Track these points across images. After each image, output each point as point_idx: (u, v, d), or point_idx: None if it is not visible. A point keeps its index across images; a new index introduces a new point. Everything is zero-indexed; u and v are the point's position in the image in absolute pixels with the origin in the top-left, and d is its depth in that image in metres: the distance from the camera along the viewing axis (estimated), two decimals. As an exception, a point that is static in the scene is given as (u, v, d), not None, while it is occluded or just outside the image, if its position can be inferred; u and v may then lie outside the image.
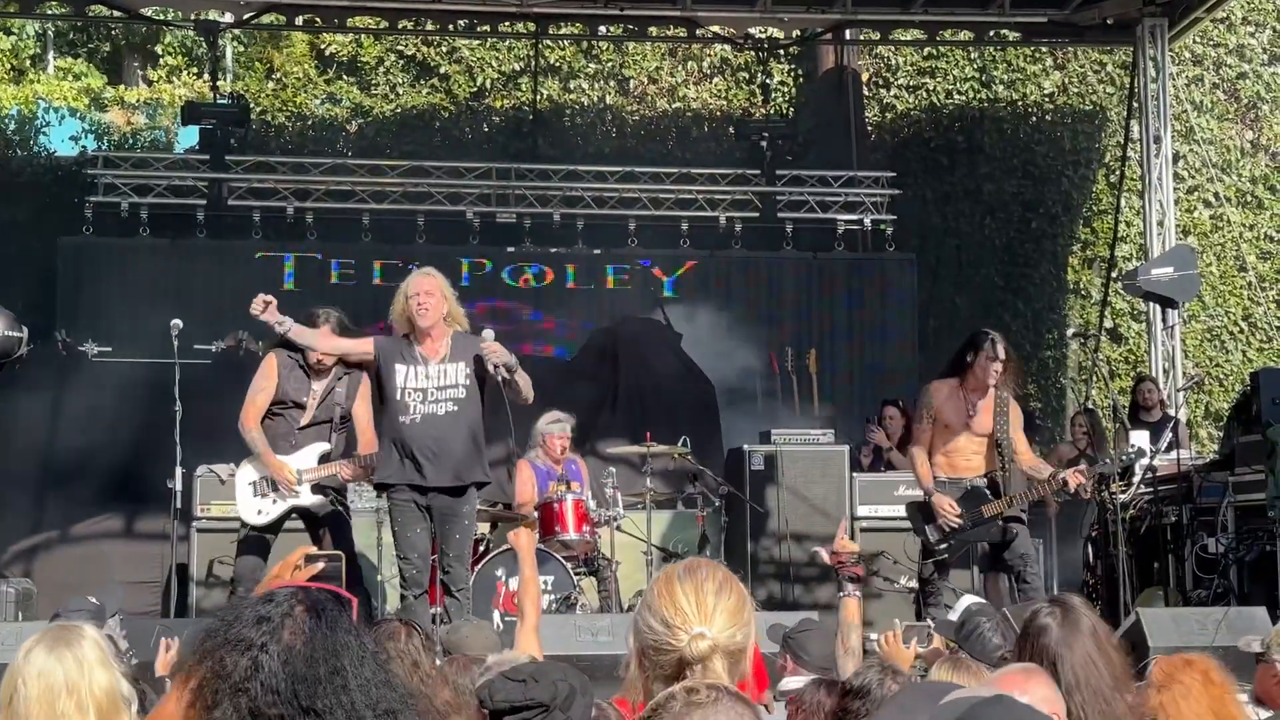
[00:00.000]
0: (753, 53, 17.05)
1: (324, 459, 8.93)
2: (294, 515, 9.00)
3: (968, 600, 6.94)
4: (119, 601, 7.21)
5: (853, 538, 11.61)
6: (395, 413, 8.67)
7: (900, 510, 10.42)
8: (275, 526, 8.98)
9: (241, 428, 8.92)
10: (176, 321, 9.54)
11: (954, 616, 6.54)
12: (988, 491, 9.40)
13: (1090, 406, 14.44)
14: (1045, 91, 17.85)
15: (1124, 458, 10.07)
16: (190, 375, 9.73)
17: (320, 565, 3.47)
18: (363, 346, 8.87)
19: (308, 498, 8.91)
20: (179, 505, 9.78)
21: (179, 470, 9.19)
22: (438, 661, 5.05)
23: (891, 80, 17.85)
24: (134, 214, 14.80)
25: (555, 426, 11.01)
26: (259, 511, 8.95)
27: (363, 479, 9.05)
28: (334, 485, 8.97)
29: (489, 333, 8.71)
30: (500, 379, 8.52)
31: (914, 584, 10.21)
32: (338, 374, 8.93)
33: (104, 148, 16.94)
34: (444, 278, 8.92)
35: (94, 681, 3.73)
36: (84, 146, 17.23)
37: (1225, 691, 4.29)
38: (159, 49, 19.07)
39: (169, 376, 9.37)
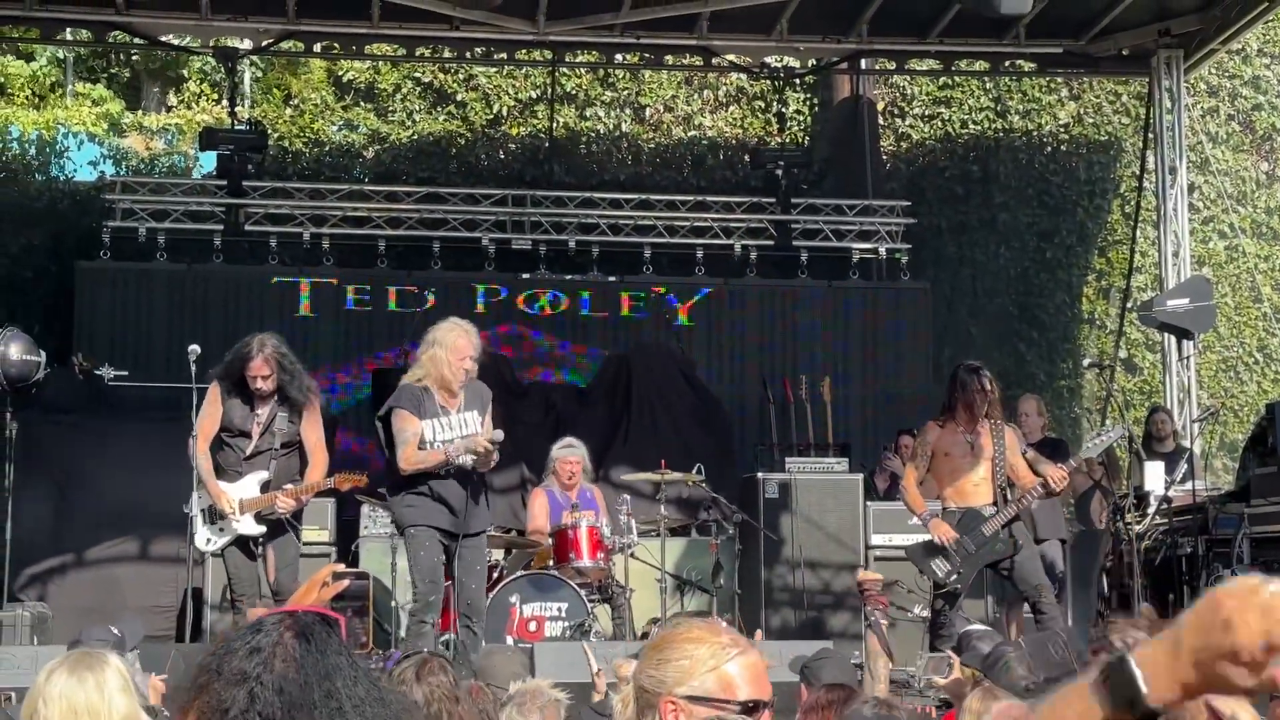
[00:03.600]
0: (768, 81, 17.10)
1: (264, 487, 8.95)
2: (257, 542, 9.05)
3: (977, 629, 6.93)
4: (139, 632, 7.22)
5: (866, 566, 11.66)
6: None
7: (914, 539, 10.41)
8: (245, 540, 9.03)
9: (190, 454, 9.00)
10: (194, 347, 9.60)
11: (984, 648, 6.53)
12: (984, 511, 9.43)
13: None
14: (1060, 122, 17.88)
15: (1100, 440, 10.06)
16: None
17: (345, 583, 3.50)
18: (413, 428, 8.89)
19: (250, 527, 8.96)
20: (194, 530, 9.80)
21: (195, 495, 9.22)
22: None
23: (907, 109, 17.88)
24: (151, 239, 14.85)
25: (565, 451, 11.06)
26: (208, 540, 9.05)
27: (299, 508, 9.04)
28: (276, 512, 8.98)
29: (499, 434, 8.88)
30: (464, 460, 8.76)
31: (926, 613, 10.21)
32: (280, 398, 8.96)
33: (122, 173, 17.01)
34: (478, 335, 9.07)
35: (114, 707, 3.74)
36: (102, 171, 17.29)
37: None
38: (186, 72, 19.16)
39: (186, 401, 9.41)
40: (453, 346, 8.80)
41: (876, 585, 6.57)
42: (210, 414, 8.98)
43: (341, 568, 4.95)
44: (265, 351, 8.82)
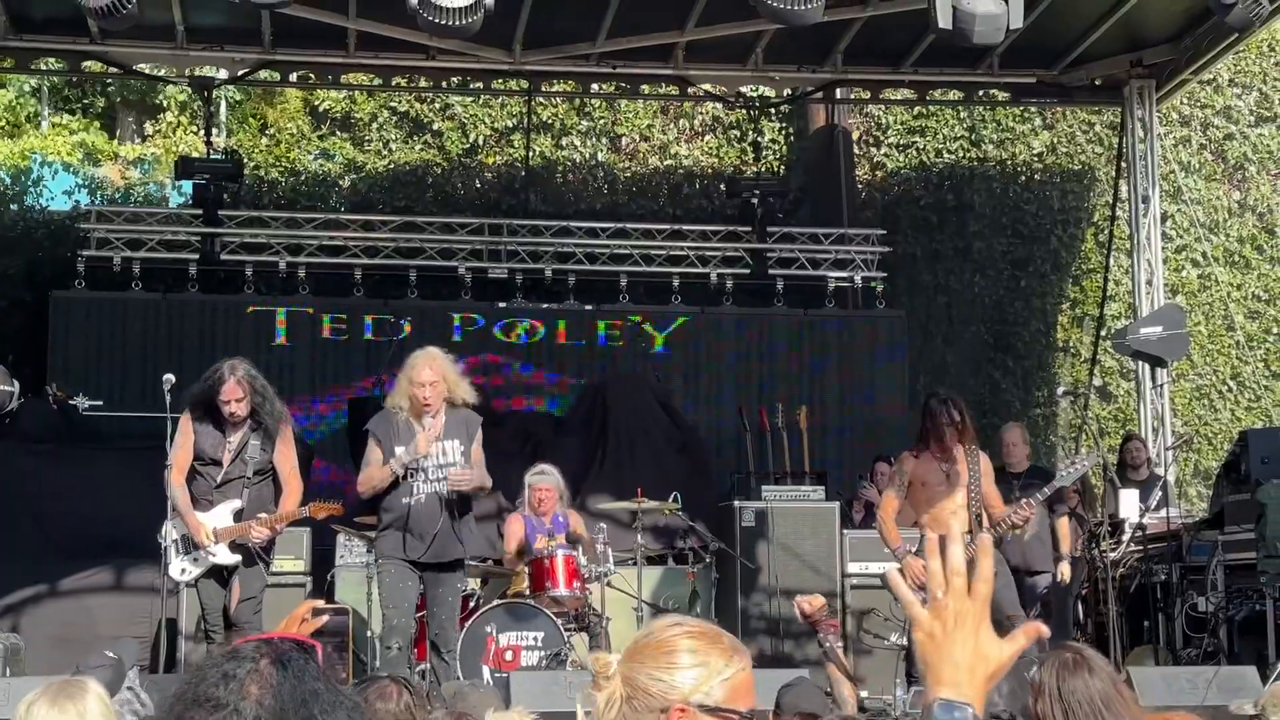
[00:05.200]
0: (744, 111, 17.16)
1: (238, 516, 8.93)
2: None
3: None
4: (134, 656, 7.22)
5: (842, 593, 11.68)
6: (399, 493, 8.80)
7: (891, 567, 10.41)
8: (219, 571, 9.02)
9: (165, 485, 8.97)
10: (169, 376, 9.56)
11: None
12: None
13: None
14: (1034, 151, 17.97)
15: (1075, 469, 10.08)
16: (182, 429, 9.72)
17: (325, 618, 3.51)
18: (374, 457, 8.91)
19: (225, 556, 8.94)
20: (168, 560, 9.76)
21: (168, 525, 9.18)
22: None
23: (882, 139, 17.96)
24: (126, 268, 14.82)
25: (537, 478, 11.05)
26: (183, 570, 8.99)
27: (273, 537, 9.02)
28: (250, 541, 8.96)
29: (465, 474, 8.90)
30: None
31: (904, 641, 10.21)
32: (252, 425, 8.93)
33: (98, 202, 16.97)
34: (445, 358, 9.02)
35: None
36: (78, 201, 17.26)
37: None
38: (163, 101, 19.15)
39: (161, 431, 9.38)
40: (413, 371, 8.83)
41: (822, 611, 6.55)
42: (183, 444, 8.95)
43: (321, 604, 4.94)
44: (237, 375, 8.80)
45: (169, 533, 9.06)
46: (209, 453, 8.90)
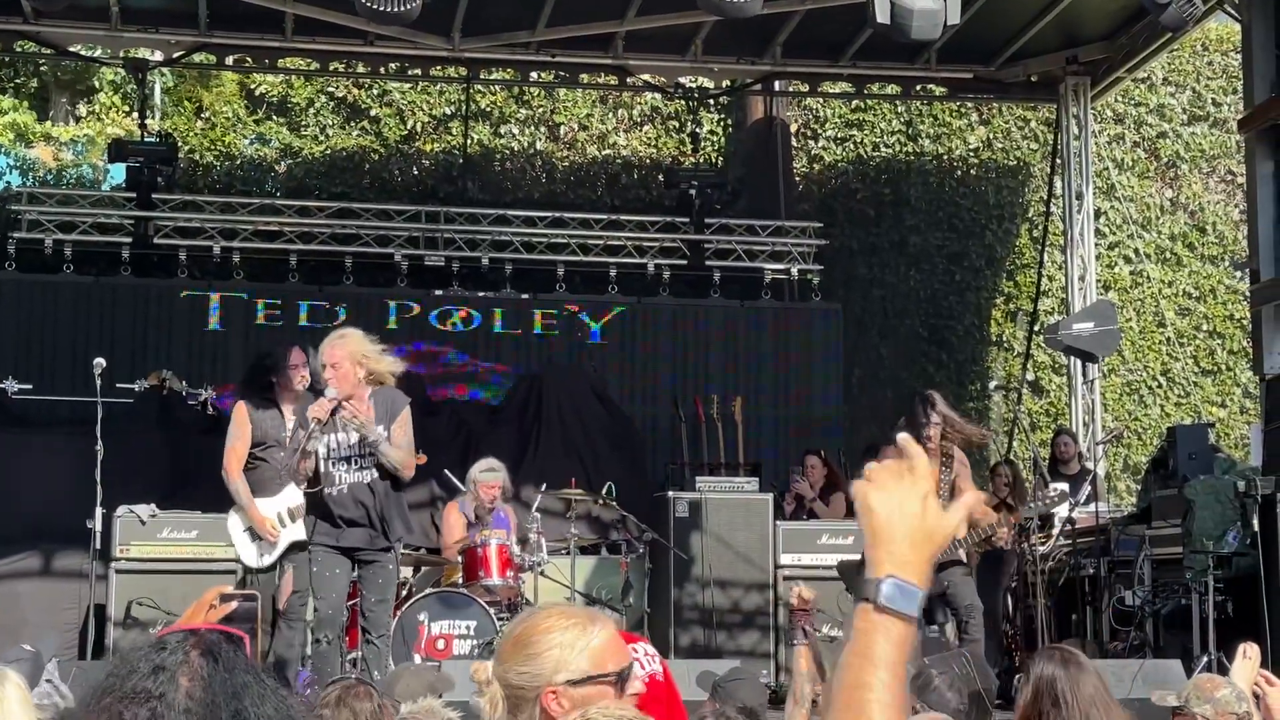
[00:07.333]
0: (683, 101, 17.18)
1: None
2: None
3: None
4: (53, 648, 7.15)
5: (775, 585, 11.72)
6: (322, 484, 8.65)
7: (823, 559, 10.48)
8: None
9: (225, 478, 8.96)
10: (100, 360, 9.50)
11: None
12: None
13: (1011, 458, 14.57)
14: (970, 146, 18.08)
15: (1045, 502, 10.17)
16: (112, 414, 9.66)
17: (234, 605, 3.49)
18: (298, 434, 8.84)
19: (302, 532, 9.00)
20: (98, 545, 9.69)
21: (99, 510, 9.11)
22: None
23: (820, 132, 18.01)
24: (58, 251, 14.66)
25: (488, 475, 11.01)
26: (261, 555, 9.03)
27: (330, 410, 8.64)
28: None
29: (330, 391, 8.61)
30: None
31: (837, 633, 10.25)
32: (304, 396, 8.99)
33: (29, 184, 16.77)
34: (359, 337, 8.73)
35: None
36: (8, 182, 17.04)
37: None
38: (97, 83, 18.93)
39: (91, 415, 9.30)
40: (322, 355, 8.70)
41: (814, 604, 6.53)
42: (241, 435, 8.95)
43: (229, 589, 4.92)
44: (296, 346, 8.95)
45: (234, 522, 9.09)
46: (272, 435, 8.93)
